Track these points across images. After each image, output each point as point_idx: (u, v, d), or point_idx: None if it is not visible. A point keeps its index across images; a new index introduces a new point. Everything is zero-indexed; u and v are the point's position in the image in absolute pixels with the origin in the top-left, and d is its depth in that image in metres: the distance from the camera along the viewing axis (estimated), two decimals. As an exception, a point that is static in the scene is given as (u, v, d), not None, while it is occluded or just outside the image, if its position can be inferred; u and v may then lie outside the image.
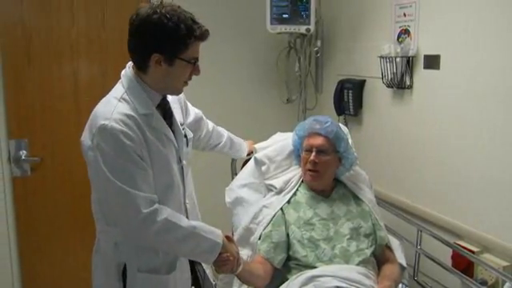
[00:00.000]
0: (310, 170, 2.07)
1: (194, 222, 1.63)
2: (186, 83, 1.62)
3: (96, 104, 1.58)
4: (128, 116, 1.49)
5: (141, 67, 1.55)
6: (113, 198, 1.50)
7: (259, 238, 2.02)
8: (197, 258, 1.72)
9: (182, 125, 1.77)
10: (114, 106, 1.50)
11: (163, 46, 1.49)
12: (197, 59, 1.57)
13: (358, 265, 1.91)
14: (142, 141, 1.51)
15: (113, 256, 1.62)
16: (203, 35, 1.53)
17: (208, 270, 1.91)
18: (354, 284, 1.80)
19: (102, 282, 1.68)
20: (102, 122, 1.46)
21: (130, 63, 1.61)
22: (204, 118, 2.13)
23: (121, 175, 1.46)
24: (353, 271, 1.87)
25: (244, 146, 2.38)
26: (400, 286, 1.96)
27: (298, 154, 2.23)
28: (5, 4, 2.60)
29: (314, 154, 2.06)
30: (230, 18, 3.05)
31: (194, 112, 2.04)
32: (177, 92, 1.67)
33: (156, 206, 1.51)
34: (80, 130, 1.58)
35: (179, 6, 1.52)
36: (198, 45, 1.55)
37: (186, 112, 1.93)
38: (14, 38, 2.64)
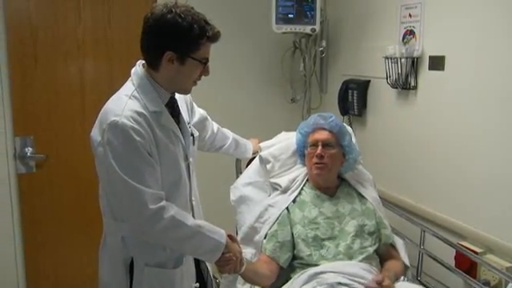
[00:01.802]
0: (316, 164, 2.08)
1: (198, 221, 1.64)
2: (195, 83, 1.64)
3: (102, 102, 1.60)
4: (138, 113, 1.51)
5: (152, 65, 1.57)
6: (121, 193, 1.51)
7: (264, 237, 2.03)
8: (200, 256, 1.74)
9: (188, 123, 1.79)
10: (125, 103, 1.52)
11: (176, 44, 1.51)
12: (207, 60, 1.60)
13: (361, 261, 1.92)
14: (151, 138, 1.53)
15: (120, 250, 1.64)
16: (215, 36, 1.56)
17: (210, 267, 1.92)
18: (356, 279, 1.81)
19: (109, 277, 1.69)
20: (113, 119, 1.48)
21: (140, 61, 1.63)
22: (209, 118, 2.15)
23: (129, 171, 1.48)
24: (355, 267, 1.88)
25: (249, 146, 2.38)
26: (402, 278, 1.97)
27: (301, 153, 2.24)
28: (12, 3, 2.61)
29: (320, 147, 2.08)
30: (235, 18, 3.06)
31: (199, 112, 2.06)
32: (185, 91, 1.69)
33: (163, 202, 1.52)
34: (85, 128, 1.60)
35: (192, 7, 1.55)
36: (210, 46, 1.58)
37: (191, 112, 1.95)
38: (20, 37, 2.65)
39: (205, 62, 1.58)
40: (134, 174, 1.48)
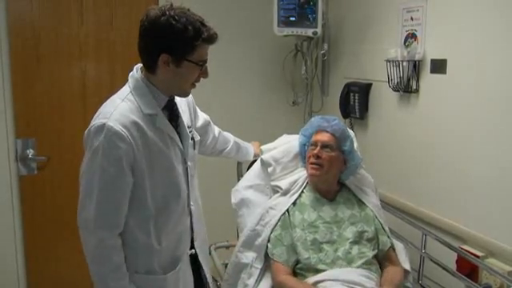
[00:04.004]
0: (312, 164, 2.08)
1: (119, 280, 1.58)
2: (193, 85, 1.63)
3: (103, 104, 1.60)
4: (127, 117, 1.51)
5: (149, 68, 1.57)
6: (80, 192, 1.54)
7: (268, 241, 2.02)
8: None
9: (189, 127, 1.77)
10: (115, 107, 1.52)
11: (171, 46, 1.50)
12: (205, 61, 1.58)
13: (360, 267, 1.91)
14: (138, 143, 1.51)
15: None
16: (211, 38, 1.54)
17: (208, 274, 1.92)
18: (355, 286, 1.81)
19: None
20: (100, 121, 1.49)
21: (138, 65, 1.63)
22: (211, 123, 2.14)
23: (88, 182, 1.51)
24: (354, 273, 1.87)
25: (251, 150, 2.37)
26: None
27: (304, 155, 2.24)
28: (15, 4, 2.62)
29: (318, 148, 2.08)
30: (237, 21, 3.06)
31: (203, 117, 2.05)
32: (184, 94, 1.67)
33: (99, 231, 1.53)
34: (87, 130, 1.60)
35: (188, 9, 1.54)
36: (207, 47, 1.56)
37: (194, 116, 1.93)
38: (23, 38, 2.66)
39: (202, 64, 1.56)
40: (88, 188, 1.51)
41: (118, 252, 1.56)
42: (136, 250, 1.61)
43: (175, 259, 1.70)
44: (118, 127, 1.47)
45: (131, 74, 1.63)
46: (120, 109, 1.52)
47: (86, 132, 1.53)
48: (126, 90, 1.60)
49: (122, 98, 1.56)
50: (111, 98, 1.60)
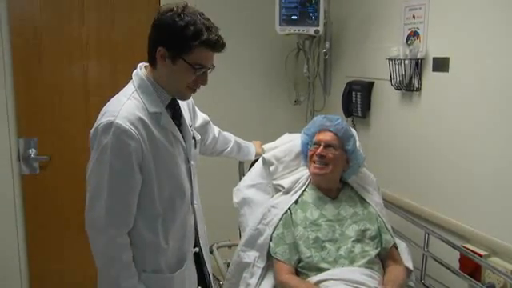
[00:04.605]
0: (315, 163, 2.09)
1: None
2: (191, 89, 1.61)
3: (105, 104, 1.59)
4: (134, 115, 1.50)
5: (151, 62, 1.58)
6: (89, 190, 1.53)
7: (270, 240, 2.01)
8: None
9: (190, 126, 1.77)
10: (122, 105, 1.51)
11: (168, 41, 1.50)
12: (202, 66, 1.54)
13: (362, 266, 1.91)
14: (146, 141, 1.51)
15: None
16: (209, 41, 1.51)
17: (210, 271, 1.92)
18: (358, 286, 1.80)
19: None
20: (108, 119, 1.48)
21: (142, 64, 1.63)
22: (211, 123, 2.13)
23: (97, 181, 1.49)
24: (357, 273, 1.87)
25: (252, 149, 2.37)
26: None
27: (306, 154, 2.24)
28: (16, 4, 2.62)
29: (321, 147, 2.09)
30: (238, 19, 3.06)
31: (201, 117, 2.05)
32: (181, 96, 1.65)
33: (112, 231, 1.51)
34: (89, 129, 1.59)
35: (202, 13, 1.53)
36: (206, 52, 1.53)
37: (193, 115, 1.94)
38: (24, 38, 2.66)
39: (198, 67, 1.53)
40: (97, 187, 1.49)
41: (127, 250, 1.56)
42: (143, 249, 1.60)
43: (181, 258, 1.70)
44: (127, 125, 1.47)
45: (135, 72, 1.63)
46: (127, 107, 1.51)
47: (92, 131, 1.52)
48: (130, 88, 1.59)
49: (128, 96, 1.55)
50: (115, 96, 1.60)
